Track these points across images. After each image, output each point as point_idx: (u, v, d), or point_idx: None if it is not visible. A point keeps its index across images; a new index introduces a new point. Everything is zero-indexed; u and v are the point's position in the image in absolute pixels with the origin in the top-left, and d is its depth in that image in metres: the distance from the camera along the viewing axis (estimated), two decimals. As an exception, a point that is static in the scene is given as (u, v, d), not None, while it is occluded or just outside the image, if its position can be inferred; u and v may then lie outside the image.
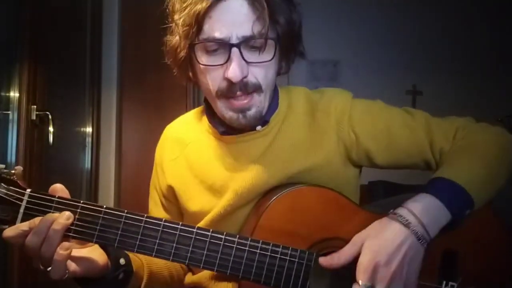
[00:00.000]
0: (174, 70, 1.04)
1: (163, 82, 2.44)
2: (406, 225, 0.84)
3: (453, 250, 0.92)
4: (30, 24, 1.94)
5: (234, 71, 0.90)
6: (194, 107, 2.50)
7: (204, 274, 1.03)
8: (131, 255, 0.97)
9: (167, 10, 0.99)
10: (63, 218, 0.82)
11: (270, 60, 0.94)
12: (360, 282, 0.82)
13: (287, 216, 0.92)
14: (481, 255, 0.94)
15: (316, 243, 0.91)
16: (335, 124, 1.03)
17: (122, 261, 0.94)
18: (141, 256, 1.00)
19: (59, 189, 0.86)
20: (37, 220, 0.82)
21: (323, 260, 0.86)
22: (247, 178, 1.00)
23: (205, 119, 1.10)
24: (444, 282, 0.91)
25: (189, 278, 1.09)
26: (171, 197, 1.10)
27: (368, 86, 3.01)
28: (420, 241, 0.84)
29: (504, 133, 1.01)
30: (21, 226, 0.82)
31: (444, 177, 0.90)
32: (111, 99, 2.63)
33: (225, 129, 1.03)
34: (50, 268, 0.82)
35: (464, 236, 0.91)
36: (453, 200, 0.88)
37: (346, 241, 0.89)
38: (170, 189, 1.09)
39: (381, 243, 0.84)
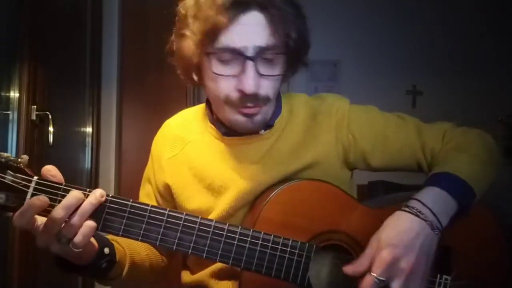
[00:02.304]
0: (179, 72, 1.04)
1: (163, 82, 2.44)
2: (419, 215, 0.86)
3: (447, 245, 0.93)
4: (30, 24, 1.93)
5: (248, 84, 0.92)
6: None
7: (205, 273, 1.04)
8: (115, 244, 0.98)
9: (178, 11, 0.99)
10: (98, 194, 0.83)
11: (280, 75, 0.97)
12: (374, 275, 0.82)
13: (287, 209, 0.94)
14: (475, 250, 0.97)
15: (316, 236, 0.93)
16: (335, 125, 1.07)
17: (106, 250, 0.94)
18: (124, 246, 1.02)
19: (52, 169, 0.86)
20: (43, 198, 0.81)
21: (348, 269, 0.86)
22: (247, 180, 1.01)
23: (206, 118, 1.10)
24: (439, 276, 0.93)
25: (188, 277, 1.10)
26: (167, 195, 1.11)
27: (368, 86, 3.02)
28: (434, 230, 0.86)
29: (485, 134, 1.06)
30: (27, 213, 0.80)
31: (445, 171, 0.93)
32: (111, 99, 2.63)
33: (227, 130, 1.05)
34: (65, 239, 0.81)
35: (458, 232, 0.93)
36: (458, 191, 0.91)
37: (345, 234, 0.92)
38: (167, 187, 1.09)
39: (398, 235, 0.85)
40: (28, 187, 0.83)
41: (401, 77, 3.19)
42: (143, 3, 2.49)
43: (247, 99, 0.94)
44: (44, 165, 2.13)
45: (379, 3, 3.17)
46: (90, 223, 0.82)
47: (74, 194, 0.82)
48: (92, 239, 0.90)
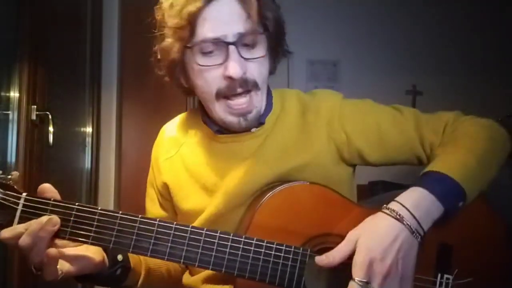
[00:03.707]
0: (167, 78, 1.05)
1: (163, 83, 2.43)
2: (399, 219, 0.85)
3: (448, 243, 0.92)
4: (30, 24, 1.93)
5: (234, 68, 0.92)
6: (194, 107, 2.51)
7: (199, 277, 1.04)
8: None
9: (156, 20, 1.01)
10: (50, 224, 0.82)
11: (264, 56, 0.98)
12: (356, 279, 0.82)
13: (281, 213, 0.93)
14: (476, 249, 0.95)
15: (310, 239, 0.92)
16: (326, 124, 1.05)
17: (119, 257, 0.95)
18: None
19: (47, 189, 0.87)
20: (33, 222, 0.82)
21: (319, 260, 0.86)
22: (239, 177, 1.01)
23: (199, 118, 1.11)
24: (440, 275, 0.91)
25: (187, 279, 1.09)
26: (167, 195, 1.11)
27: (368, 86, 3.01)
28: (414, 234, 0.85)
29: (493, 125, 1.02)
30: (18, 228, 0.82)
31: (435, 170, 0.91)
32: (111, 99, 2.63)
33: (219, 128, 1.05)
34: (41, 271, 0.82)
35: (459, 230, 0.92)
36: (445, 192, 0.88)
37: (340, 237, 0.90)
38: (166, 186, 1.10)
39: (375, 238, 0.84)
40: (17, 204, 0.84)
41: (401, 77, 3.18)
42: (143, 3, 2.49)
43: (236, 84, 0.95)
44: (44, 165, 2.12)
45: (379, 3, 3.17)
46: (49, 254, 0.81)
47: (39, 221, 0.82)
48: (92, 251, 0.90)
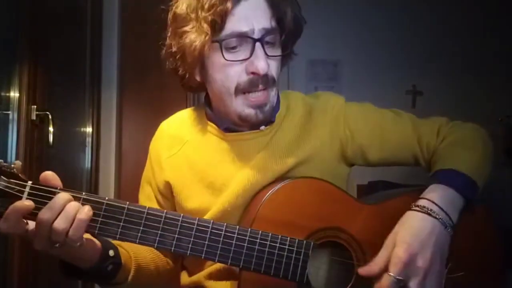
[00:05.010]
0: (181, 73, 1.04)
1: (163, 83, 2.44)
2: (430, 214, 0.87)
3: None
4: (30, 24, 1.93)
5: (261, 64, 0.96)
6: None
7: (202, 274, 1.04)
8: (119, 248, 0.97)
9: (173, 13, 1.00)
10: (86, 209, 0.82)
11: (285, 53, 1.02)
12: (391, 274, 0.82)
13: (284, 207, 0.95)
14: (469, 246, 0.98)
15: (313, 233, 0.94)
16: (331, 121, 1.08)
17: (111, 252, 0.94)
18: (128, 249, 1.01)
19: (51, 177, 0.85)
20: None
21: (363, 270, 0.87)
22: (245, 176, 1.02)
23: (203, 116, 1.11)
24: None
25: (186, 279, 1.10)
26: (168, 194, 1.11)
27: (368, 86, 3.02)
28: (446, 228, 0.87)
29: (479, 128, 1.08)
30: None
31: (448, 168, 0.95)
32: (111, 99, 2.63)
33: (228, 125, 1.05)
34: (58, 244, 0.81)
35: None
36: (463, 185, 0.93)
37: (341, 230, 0.94)
38: (168, 185, 1.09)
39: (412, 234, 0.85)
40: (22, 192, 0.82)
41: (401, 77, 3.18)
42: (143, 3, 2.49)
43: (258, 80, 0.97)
44: (44, 165, 2.13)
45: (379, 3, 3.17)
46: (81, 216, 0.81)
47: (61, 196, 0.81)
48: (94, 239, 0.90)
